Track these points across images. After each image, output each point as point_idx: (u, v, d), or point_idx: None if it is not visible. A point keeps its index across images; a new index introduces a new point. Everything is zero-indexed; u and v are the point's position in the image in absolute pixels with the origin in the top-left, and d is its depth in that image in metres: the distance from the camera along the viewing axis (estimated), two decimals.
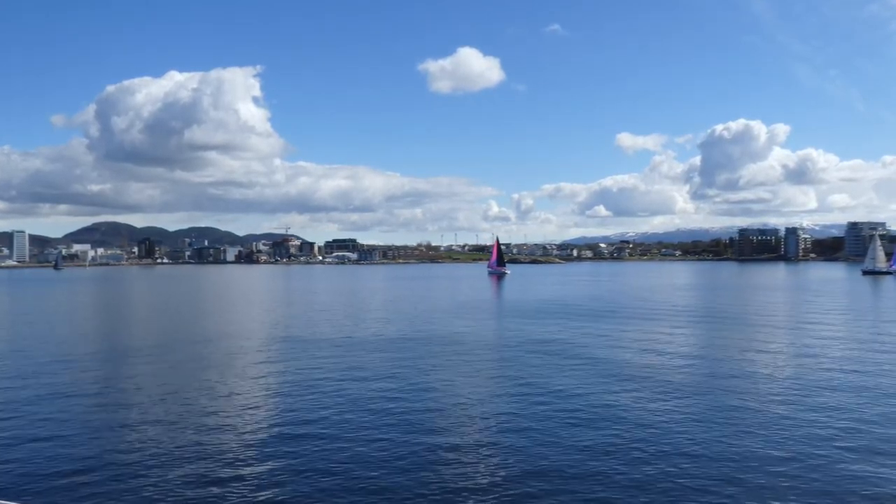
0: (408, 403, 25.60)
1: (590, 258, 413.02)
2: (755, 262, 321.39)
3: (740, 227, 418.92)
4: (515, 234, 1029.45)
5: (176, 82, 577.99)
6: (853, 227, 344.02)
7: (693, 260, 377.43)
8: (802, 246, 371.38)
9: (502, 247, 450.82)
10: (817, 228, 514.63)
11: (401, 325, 53.44)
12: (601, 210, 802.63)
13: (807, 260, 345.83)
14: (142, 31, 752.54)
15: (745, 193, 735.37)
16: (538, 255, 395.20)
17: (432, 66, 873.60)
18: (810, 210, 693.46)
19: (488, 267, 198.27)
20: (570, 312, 63.56)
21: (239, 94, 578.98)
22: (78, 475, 17.48)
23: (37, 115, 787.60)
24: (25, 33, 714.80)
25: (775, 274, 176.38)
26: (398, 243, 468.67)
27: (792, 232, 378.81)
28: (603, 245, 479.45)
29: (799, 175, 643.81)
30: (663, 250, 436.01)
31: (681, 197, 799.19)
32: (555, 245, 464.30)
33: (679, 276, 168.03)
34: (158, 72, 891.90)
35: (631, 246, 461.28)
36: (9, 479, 17.13)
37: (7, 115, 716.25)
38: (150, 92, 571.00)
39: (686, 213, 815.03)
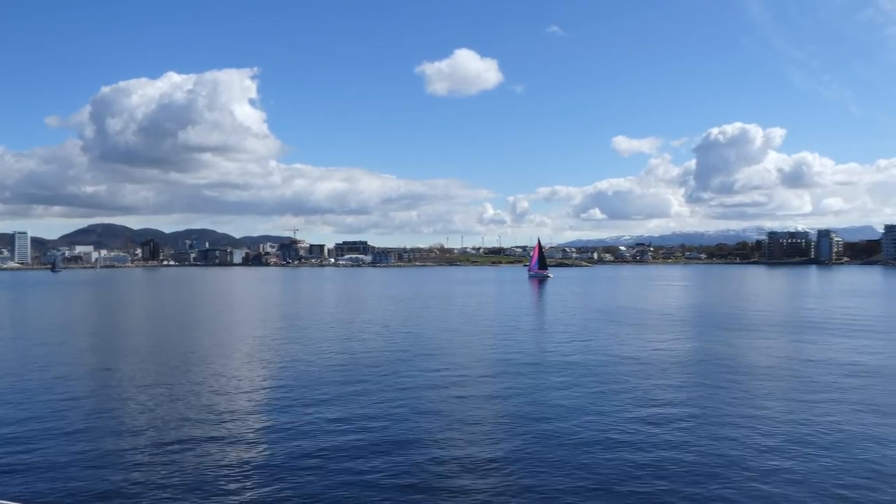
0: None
1: (611, 261, 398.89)
2: (786, 266, 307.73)
3: (735, 230, 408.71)
4: (510, 237, 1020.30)
5: (171, 84, 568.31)
6: (890, 229, 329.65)
7: (720, 263, 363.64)
8: (835, 249, 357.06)
9: (518, 249, 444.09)
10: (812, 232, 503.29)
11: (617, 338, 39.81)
12: (596, 213, 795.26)
13: (840, 263, 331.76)
14: (139, 33, 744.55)
15: (741, 197, 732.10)
16: (558, 257, 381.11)
17: (429, 68, 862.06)
18: (805, 214, 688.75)
19: (529, 270, 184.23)
20: (764, 324, 49.88)
21: (235, 96, 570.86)
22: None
23: (31, 115, 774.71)
24: (21, 33, 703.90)
25: (834, 278, 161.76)
26: (392, 245, 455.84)
27: (825, 235, 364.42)
28: (623, 248, 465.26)
29: (794, 179, 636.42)
30: (687, 253, 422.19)
31: (676, 200, 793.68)
32: (574, 248, 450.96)
33: (749, 280, 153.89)
34: (156, 73, 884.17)
35: (652, 249, 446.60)
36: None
37: (1, 115, 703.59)
38: (145, 93, 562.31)
39: (681, 216, 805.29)
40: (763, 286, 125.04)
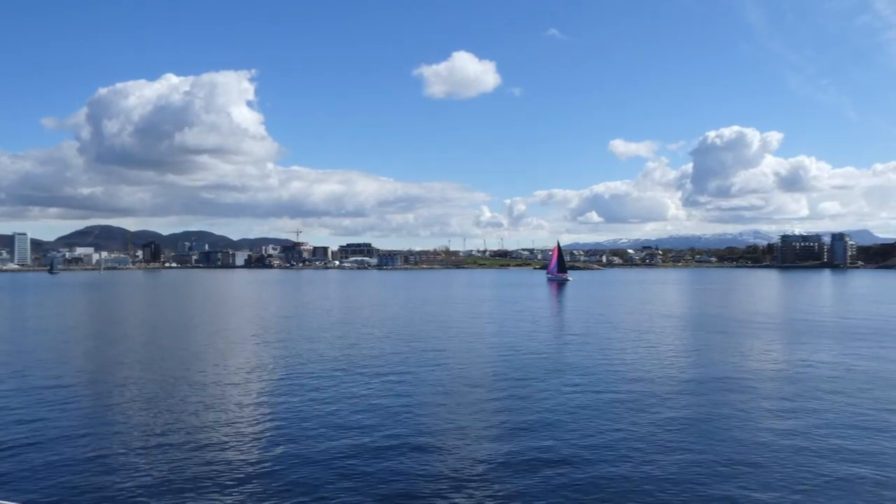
0: None
1: (620, 264, 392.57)
2: (800, 270, 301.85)
3: (731, 233, 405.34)
4: (511, 240, 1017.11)
5: (168, 85, 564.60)
6: None
7: (730, 266, 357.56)
8: (849, 253, 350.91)
9: (525, 252, 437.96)
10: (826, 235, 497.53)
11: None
12: (593, 216, 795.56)
13: (854, 267, 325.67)
14: (137, 34, 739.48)
15: (737, 200, 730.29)
16: (566, 260, 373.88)
17: (427, 70, 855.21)
18: (801, 217, 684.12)
19: (547, 273, 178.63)
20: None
21: (232, 98, 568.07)
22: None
23: (28, 116, 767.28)
24: (18, 34, 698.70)
25: (858, 282, 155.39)
26: (389, 248, 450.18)
27: (839, 238, 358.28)
28: (632, 251, 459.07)
29: (791, 182, 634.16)
30: (697, 256, 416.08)
31: (673, 204, 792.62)
32: (580, 251, 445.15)
33: (774, 284, 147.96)
34: (153, 75, 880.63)
35: (661, 252, 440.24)
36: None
37: None
38: (142, 95, 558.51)
39: (678, 219, 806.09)
40: (795, 290, 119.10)
